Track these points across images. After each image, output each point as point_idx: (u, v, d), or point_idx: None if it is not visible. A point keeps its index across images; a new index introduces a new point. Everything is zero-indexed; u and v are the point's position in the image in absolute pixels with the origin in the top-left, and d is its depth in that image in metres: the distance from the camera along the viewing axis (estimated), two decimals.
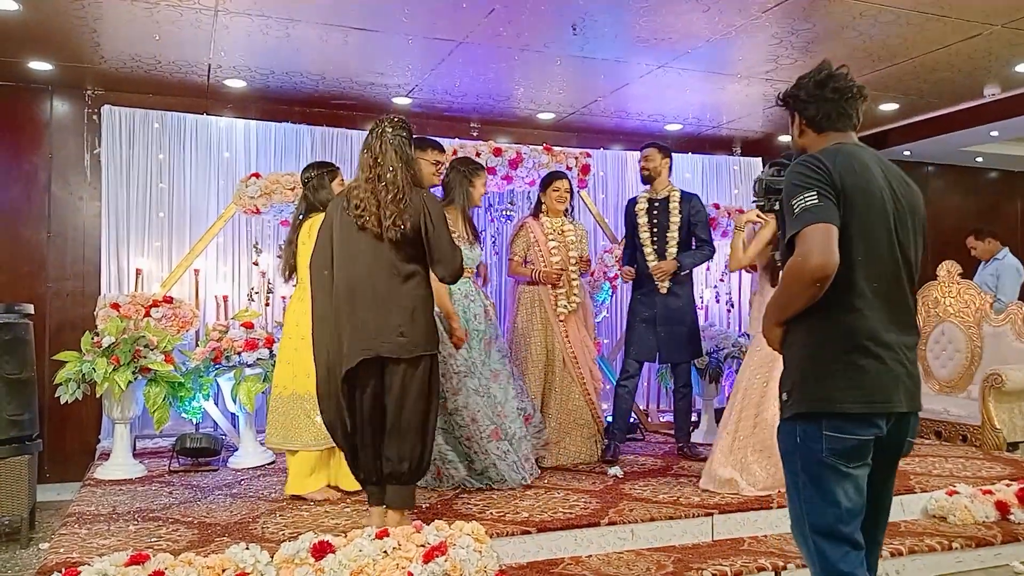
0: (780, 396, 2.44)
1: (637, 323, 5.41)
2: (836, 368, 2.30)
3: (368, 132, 3.67)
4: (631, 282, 5.57)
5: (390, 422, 3.52)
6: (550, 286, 5.15)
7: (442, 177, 4.75)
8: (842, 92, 2.52)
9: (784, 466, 2.46)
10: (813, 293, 2.24)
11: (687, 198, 5.46)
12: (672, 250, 5.34)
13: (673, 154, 7.67)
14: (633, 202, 5.58)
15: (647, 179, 5.47)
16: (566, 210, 5.35)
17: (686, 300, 5.45)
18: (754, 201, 4.30)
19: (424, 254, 3.55)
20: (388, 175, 3.49)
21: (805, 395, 2.35)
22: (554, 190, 5.27)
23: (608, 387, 7.00)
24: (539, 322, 5.16)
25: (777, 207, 4.01)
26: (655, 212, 5.42)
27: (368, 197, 3.48)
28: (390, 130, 3.59)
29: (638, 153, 7.59)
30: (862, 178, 2.34)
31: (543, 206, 5.32)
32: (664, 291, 5.34)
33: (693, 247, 5.44)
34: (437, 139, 5.07)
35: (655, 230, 5.38)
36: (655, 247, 5.37)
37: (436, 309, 3.72)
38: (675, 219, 5.36)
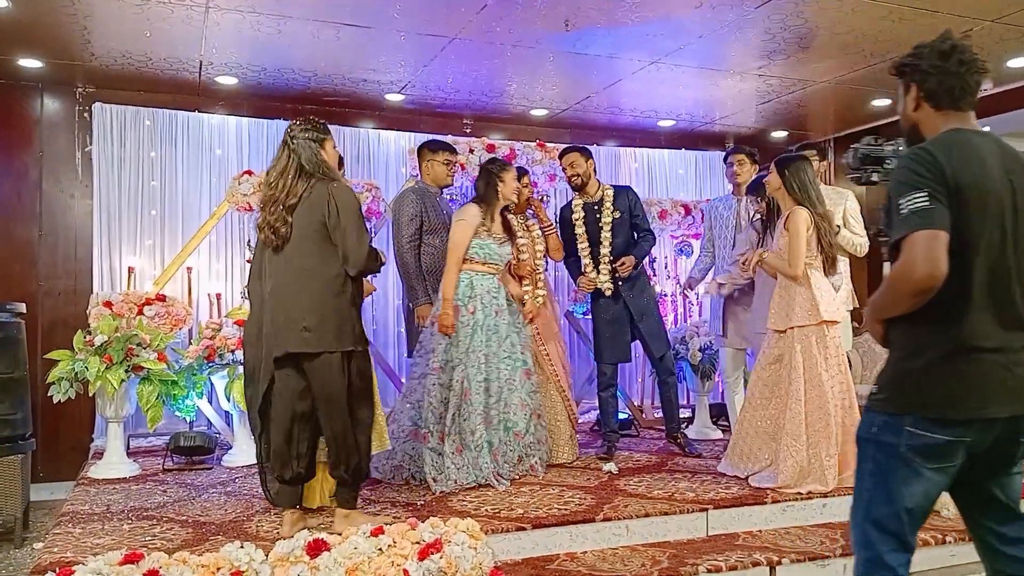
0: (872, 387, 2.36)
1: (604, 326, 5.29)
2: (934, 373, 2.21)
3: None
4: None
5: (322, 421, 3.58)
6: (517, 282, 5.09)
7: (470, 178, 4.84)
8: (968, 65, 2.32)
9: (858, 450, 2.39)
10: (916, 302, 2.14)
11: (621, 191, 5.34)
12: (605, 251, 5.21)
13: (665, 150, 7.74)
14: (568, 209, 5.39)
15: (578, 186, 5.30)
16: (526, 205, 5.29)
17: (651, 292, 5.43)
18: (849, 173, 3.87)
19: (333, 248, 3.55)
20: (281, 181, 3.57)
21: (897, 397, 2.26)
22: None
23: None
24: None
25: (874, 179, 3.77)
26: (596, 215, 5.26)
27: (265, 206, 3.60)
28: (299, 134, 3.63)
29: (631, 149, 7.66)
30: (978, 174, 2.19)
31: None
32: (608, 292, 5.22)
33: (635, 238, 5.32)
34: (443, 139, 5.17)
35: (590, 235, 5.26)
36: (591, 255, 5.26)
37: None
38: (609, 218, 5.22)
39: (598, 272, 5.23)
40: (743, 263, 4.80)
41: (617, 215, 5.24)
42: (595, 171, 5.37)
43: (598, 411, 6.35)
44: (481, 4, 4.62)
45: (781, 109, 6.89)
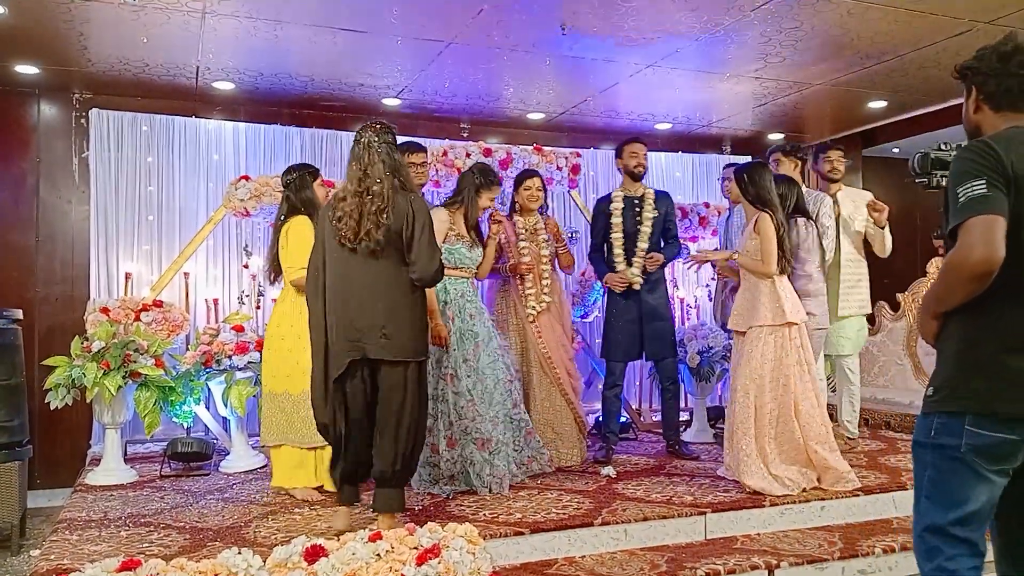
0: (927, 390, 2.32)
1: (618, 323, 5.34)
2: (991, 368, 2.17)
3: (354, 142, 3.69)
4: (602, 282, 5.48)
5: (382, 424, 3.58)
6: (519, 285, 5.11)
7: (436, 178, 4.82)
8: None
9: (913, 459, 2.36)
10: (973, 288, 2.12)
11: (661, 196, 5.44)
12: (642, 245, 5.29)
13: (663, 153, 7.75)
14: (606, 201, 5.49)
15: (641, 176, 5.40)
16: (541, 208, 5.32)
17: (666, 296, 5.45)
18: (916, 178, 3.91)
19: (400, 258, 3.60)
20: (375, 187, 3.54)
21: (954, 394, 2.22)
22: (525, 188, 5.20)
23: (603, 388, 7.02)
24: (512, 324, 5.10)
25: (943, 183, 3.75)
26: (637, 210, 5.35)
27: (352, 211, 3.53)
28: (376, 139, 3.64)
29: None
30: None
31: (516, 205, 5.28)
32: (637, 288, 5.28)
33: (662, 244, 5.41)
34: (419, 140, 5.15)
35: (636, 230, 5.32)
36: (627, 247, 5.32)
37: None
38: (649, 216, 5.32)
39: (630, 266, 5.29)
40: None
41: (656, 215, 5.33)
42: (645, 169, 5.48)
43: (597, 415, 6.37)
44: (477, 8, 4.62)
45: (777, 111, 6.90)
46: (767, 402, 4.35)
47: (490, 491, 4.36)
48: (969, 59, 2.42)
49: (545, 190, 5.35)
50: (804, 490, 4.30)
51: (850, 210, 5.41)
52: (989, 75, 2.34)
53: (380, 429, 3.59)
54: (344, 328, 3.53)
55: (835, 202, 5.43)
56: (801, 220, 4.99)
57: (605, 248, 5.47)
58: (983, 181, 2.12)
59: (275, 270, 4.53)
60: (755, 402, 4.35)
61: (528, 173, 5.33)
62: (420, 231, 3.56)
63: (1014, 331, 2.16)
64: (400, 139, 6.63)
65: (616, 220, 5.35)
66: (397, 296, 3.57)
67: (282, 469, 4.45)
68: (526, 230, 5.20)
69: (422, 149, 5.19)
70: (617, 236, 5.33)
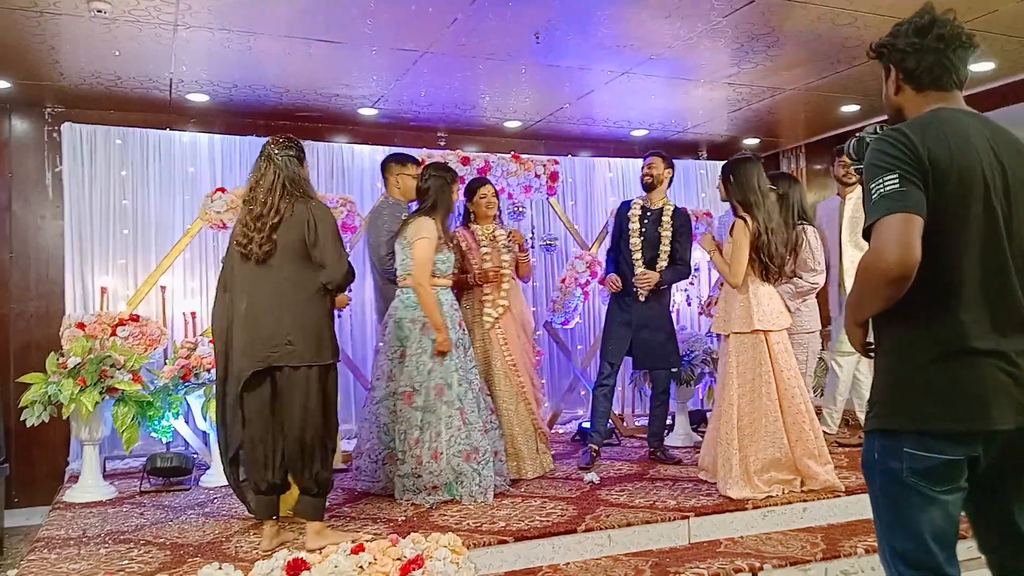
0: (866, 407, 2.17)
1: (615, 325, 5.41)
2: (923, 380, 2.00)
3: (257, 155, 3.79)
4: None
5: (289, 434, 3.59)
6: (479, 291, 5.07)
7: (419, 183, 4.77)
8: (948, 41, 2.12)
9: (866, 479, 2.18)
10: (890, 294, 1.95)
11: (679, 212, 5.46)
12: (662, 263, 5.34)
13: (639, 159, 7.75)
14: (626, 206, 5.54)
15: (649, 186, 5.43)
16: (495, 215, 5.27)
17: (663, 310, 5.48)
18: (851, 165, 3.39)
19: (313, 265, 3.65)
20: (261, 196, 3.65)
21: (886, 410, 2.06)
22: (481, 196, 5.16)
23: (584, 393, 7.03)
24: (477, 331, 5.02)
25: None
26: (647, 221, 5.39)
27: (243, 219, 3.67)
28: (276, 151, 3.74)
29: (606, 159, 7.70)
30: (957, 152, 1.99)
31: (472, 214, 5.23)
32: (643, 299, 5.34)
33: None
34: (408, 151, 5.13)
35: (644, 240, 5.36)
36: (643, 256, 5.35)
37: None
38: (667, 232, 5.35)
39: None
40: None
41: (668, 232, 5.37)
42: (670, 183, 5.51)
43: (581, 421, 6.37)
44: (452, 18, 4.63)
45: (752, 117, 6.95)
46: (749, 411, 4.34)
47: (475, 501, 4.35)
48: (885, 36, 2.25)
49: (498, 196, 5.33)
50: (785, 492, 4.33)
51: (859, 212, 5.39)
52: (907, 52, 2.17)
53: (289, 440, 3.60)
54: (250, 339, 3.58)
55: (843, 204, 5.50)
56: (810, 229, 5.01)
57: (617, 252, 5.52)
58: (895, 175, 1.95)
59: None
60: (737, 411, 4.34)
61: (480, 181, 5.30)
62: (324, 236, 3.62)
63: (944, 337, 1.99)
64: (380, 150, 6.68)
65: (634, 225, 5.40)
66: (301, 302, 3.62)
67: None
68: (485, 237, 5.17)
69: (414, 161, 5.20)
70: (635, 241, 5.37)
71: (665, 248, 5.35)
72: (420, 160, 5.39)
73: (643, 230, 5.39)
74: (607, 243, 5.86)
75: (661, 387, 5.43)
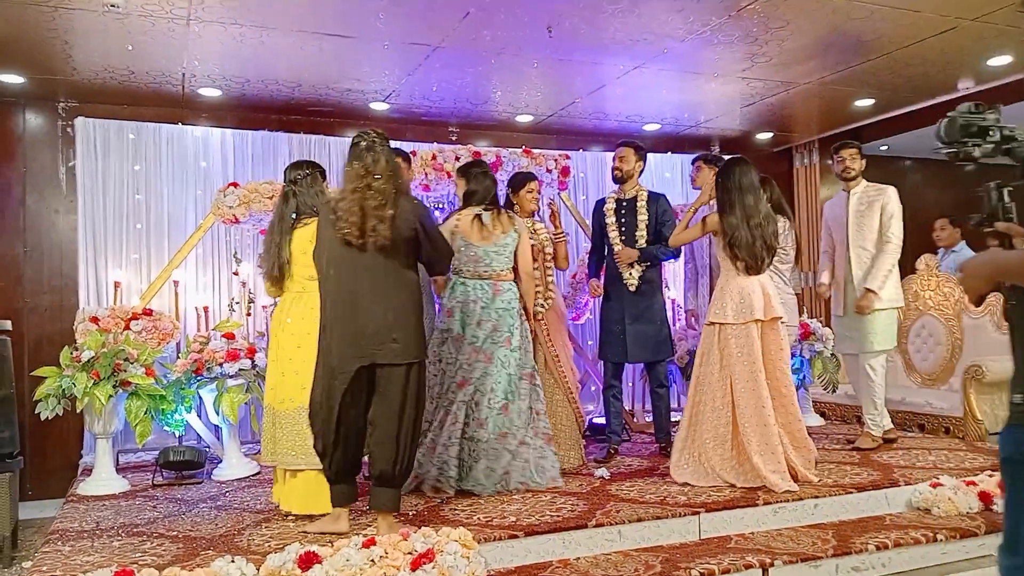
0: (1013, 397, 1.95)
1: (609, 323, 5.38)
2: None
3: (353, 144, 3.73)
4: (604, 281, 5.48)
5: (383, 426, 3.62)
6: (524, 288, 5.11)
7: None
8: None
9: (1003, 477, 1.97)
10: None
11: (654, 198, 5.40)
12: (642, 246, 5.33)
13: (651, 154, 7.73)
14: (601, 203, 5.53)
15: (619, 179, 5.39)
16: (536, 209, 5.34)
17: (655, 300, 5.40)
18: (943, 149, 3.43)
19: (414, 261, 3.74)
20: (376, 183, 3.59)
21: None
22: (528, 191, 5.23)
23: (595, 388, 7.02)
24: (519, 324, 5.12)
25: (975, 154, 3.33)
26: (623, 212, 5.38)
27: (353, 208, 3.57)
28: (378, 140, 3.71)
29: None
30: None
31: (515, 207, 5.25)
32: (633, 289, 5.28)
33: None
34: (408, 145, 5.13)
35: (623, 230, 5.34)
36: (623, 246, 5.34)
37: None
38: (642, 217, 5.31)
39: (629, 267, 5.30)
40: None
41: (644, 217, 5.32)
42: (640, 172, 5.47)
43: (591, 417, 6.37)
44: (464, 12, 4.62)
45: (765, 111, 6.92)
46: (709, 401, 4.51)
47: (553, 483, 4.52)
48: None
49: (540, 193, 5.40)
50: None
51: (862, 206, 5.37)
52: None
53: (381, 429, 3.62)
54: (354, 335, 3.58)
55: (848, 200, 5.46)
56: (782, 220, 5.02)
57: (600, 252, 5.52)
58: None
59: (282, 273, 4.15)
60: (700, 397, 4.55)
61: (528, 175, 5.37)
62: (432, 230, 3.78)
63: None
64: (403, 144, 6.67)
65: (610, 219, 5.38)
66: (404, 298, 3.66)
67: (314, 496, 4.04)
68: (528, 230, 5.20)
69: (402, 154, 5.14)
70: (614, 235, 5.35)
71: (642, 233, 5.30)
72: (409, 155, 5.29)
73: (621, 221, 5.37)
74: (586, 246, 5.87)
75: (658, 380, 5.39)
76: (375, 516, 3.74)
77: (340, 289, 3.62)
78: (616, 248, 5.32)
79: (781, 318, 4.55)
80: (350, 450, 3.68)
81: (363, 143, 3.69)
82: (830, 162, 5.71)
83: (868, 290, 5.20)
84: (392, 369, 3.60)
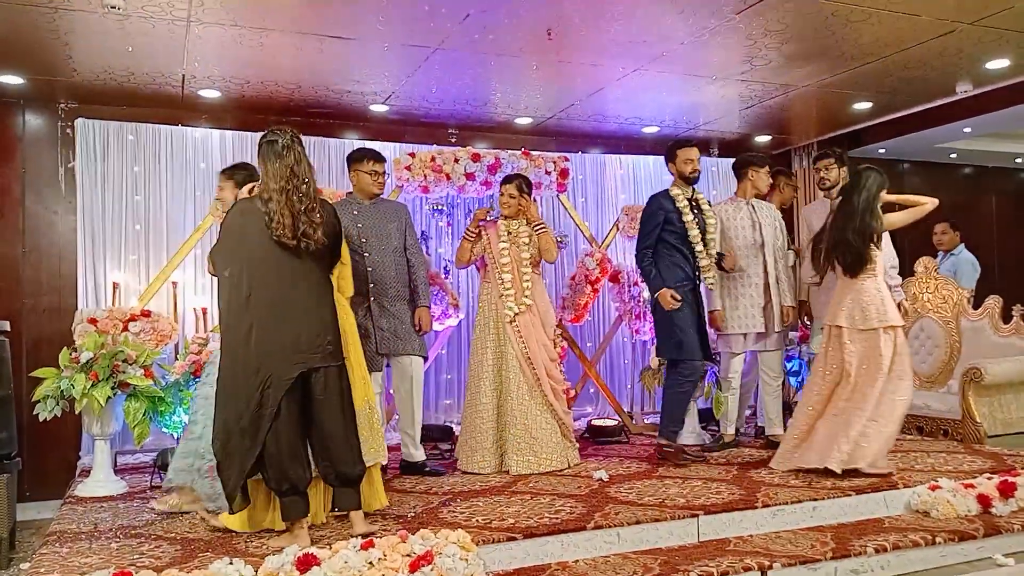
0: None
1: (686, 324, 5.17)
2: None
3: (269, 142, 3.62)
4: (670, 280, 5.20)
5: (332, 429, 3.60)
6: (499, 285, 5.12)
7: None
8: None
9: None
10: None
11: (709, 203, 5.46)
12: (714, 249, 5.30)
13: (650, 157, 7.76)
14: (667, 199, 5.26)
15: (695, 180, 5.30)
16: (519, 212, 5.26)
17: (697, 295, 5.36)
18: None
19: (330, 265, 3.77)
20: (303, 187, 3.54)
21: None
22: (500, 194, 5.29)
23: (593, 391, 7.03)
24: (492, 325, 5.12)
25: None
26: (696, 210, 5.29)
27: (284, 210, 3.49)
28: (297, 140, 3.63)
29: (617, 156, 7.66)
30: None
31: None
32: (711, 288, 5.36)
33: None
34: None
35: (699, 227, 5.25)
36: (705, 245, 5.25)
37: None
38: (712, 220, 5.32)
39: (709, 266, 5.27)
40: None
41: (713, 219, 5.36)
42: None
43: (590, 418, 6.36)
44: (464, 14, 4.63)
45: (764, 114, 6.93)
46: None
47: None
48: None
49: (528, 194, 5.30)
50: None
51: None
52: None
53: (331, 432, 3.59)
54: (291, 340, 3.49)
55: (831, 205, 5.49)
56: None
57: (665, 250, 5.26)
58: None
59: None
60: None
61: (507, 178, 5.36)
62: (340, 237, 3.82)
63: None
64: (391, 146, 6.69)
65: (688, 217, 5.20)
66: (331, 301, 3.70)
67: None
68: (507, 232, 5.21)
69: (379, 158, 5.09)
70: (694, 233, 5.20)
71: (713, 236, 5.30)
72: (382, 157, 5.15)
73: (704, 220, 5.30)
74: (613, 244, 5.78)
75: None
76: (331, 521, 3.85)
77: (269, 293, 3.51)
78: (701, 259, 5.21)
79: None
80: (297, 458, 3.53)
81: (280, 141, 3.58)
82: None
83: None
84: (328, 371, 3.58)
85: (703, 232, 5.26)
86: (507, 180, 5.33)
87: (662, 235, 5.22)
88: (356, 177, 5.05)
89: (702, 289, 5.35)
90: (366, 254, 4.87)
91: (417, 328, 5.00)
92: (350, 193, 5.15)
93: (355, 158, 5.07)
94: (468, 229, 5.31)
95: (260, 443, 3.45)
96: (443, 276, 6.37)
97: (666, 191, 5.34)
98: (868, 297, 4.67)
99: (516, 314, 5.06)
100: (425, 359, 5.21)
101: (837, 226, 4.77)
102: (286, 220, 3.47)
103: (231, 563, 3.19)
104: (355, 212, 4.96)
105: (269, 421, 3.45)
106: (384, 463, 4.23)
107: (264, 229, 3.51)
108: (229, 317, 3.57)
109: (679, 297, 5.12)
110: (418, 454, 5.08)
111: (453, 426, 6.16)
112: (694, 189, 5.36)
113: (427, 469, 5.03)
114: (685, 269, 5.22)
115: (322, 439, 3.61)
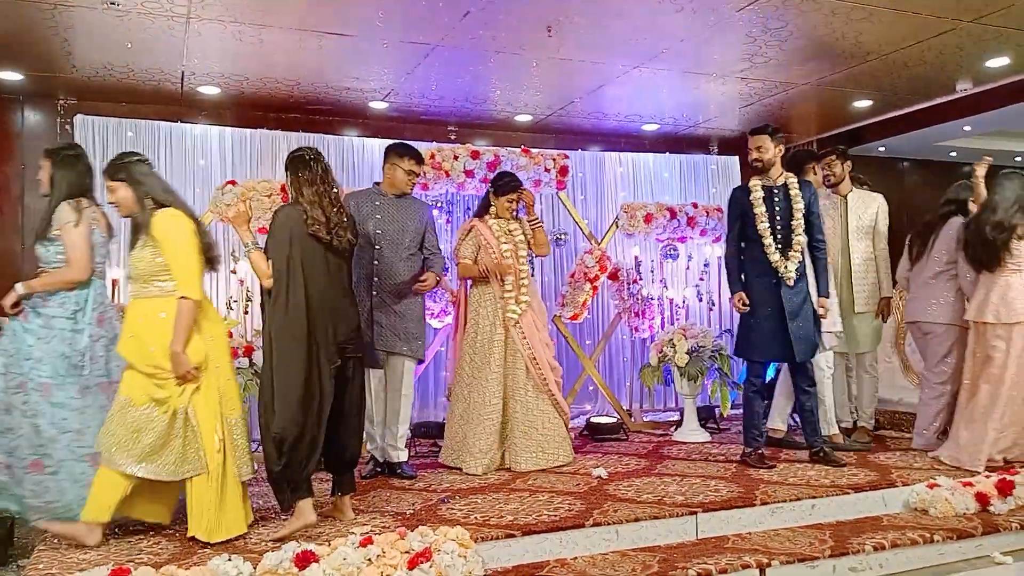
0: None
1: (760, 322, 4.96)
2: None
3: (297, 159, 3.90)
4: (745, 274, 5.05)
5: (353, 414, 3.95)
6: (499, 287, 5.08)
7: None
8: None
9: None
10: None
11: (804, 185, 5.05)
12: (799, 238, 4.94)
13: (650, 154, 7.75)
14: (744, 191, 5.06)
15: (761, 169, 5.01)
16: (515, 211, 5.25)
17: (808, 294, 5.04)
18: None
19: (351, 263, 4.12)
20: (334, 193, 3.89)
21: None
22: (508, 201, 5.16)
23: (592, 388, 7.02)
24: (499, 326, 5.06)
25: None
26: (775, 200, 5.00)
27: (318, 214, 3.81)
28: (321, 156, 3.96)
29: (616, 154, 7.65)
30: None
31: (492, 208, 5.20)
32: (791, 284, 4.92)
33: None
34: (415, 144, 5.07)
35: (777, 219, 4.97)
36: (777, 238, 4.95)
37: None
38: (799, 206, 4.96)
39: (786, 258, 4.92)
40: None
41: (800, 205, 4.96)
42: (781, 156, 5.02)
43: (588, 416, 6.34)
44: (464, 11, 4.63)
45: (764, 111, 6.93)
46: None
47: None
48: None
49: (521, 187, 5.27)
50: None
51: (860, 210, 5.51)
52: None
53: (352, 418, 3.94)
54: (336, 330, 3.81)
55: (845, 203, 5.55)
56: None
57: (744, 247, 5.10)
58: None
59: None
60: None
61: (513, 187, 5.20)
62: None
63: None
64: (388, 142, 6.65)
65: (759, 209, 4.96)
66: (354, 297, 4.09)
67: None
68: (503, 231, 5.18)
69: (419, 158, 4.94)
70: (764, 226, 4.95)
71: (799, 223, 4.93)
72: (421, 157, 5.07)
73: (774, 211, 4.97)
74: (612, 241, 5.71)
75: (809, 380, 5.04)
76: (333, 507, 4.03)
77: (318, 288, 3.81)
78: (770, 253, 4.92)
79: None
80: (325, 439, 3.80)
81: (307, 155, 3.91)
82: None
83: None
84: (357, 361, 3.96)
85: (785, 221, 4.96)
86: (517, 188, 5.20)
87: (743, 229, 5.07)
88: (392, 171, 4.90)
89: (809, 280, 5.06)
90: (376, 247, 4.81)
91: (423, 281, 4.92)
92: (377, 183, 5.04)
93: (396, 152, 4.90)
94: (489, 269, 5.08)
95: (324, 427, 3.75)
96: (443, 274, 6.36)
97: (745, 183, 5.15)
98: (1015, 292, 4.84)
99: (519, 316, 5.06)
100: (421, 361, 5.19)
101: (981, 223, 4.96)
102: (322, 219, 3.80)
103: (229, 559, 3.19)
104: (376, 203, 4.87)
105: (329, 401, 3.78)
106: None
107: (306, 231, 3.79)
108: (289, 311, 3.73)
109: (747, 302, 4.98)
110: (400, 455, 4.99)
111: None
112: (784, 175, 5.04)
113: (399, 472, 4.94)
114: (764, 263, 5.00)
115: (343, 424, 3.89)
